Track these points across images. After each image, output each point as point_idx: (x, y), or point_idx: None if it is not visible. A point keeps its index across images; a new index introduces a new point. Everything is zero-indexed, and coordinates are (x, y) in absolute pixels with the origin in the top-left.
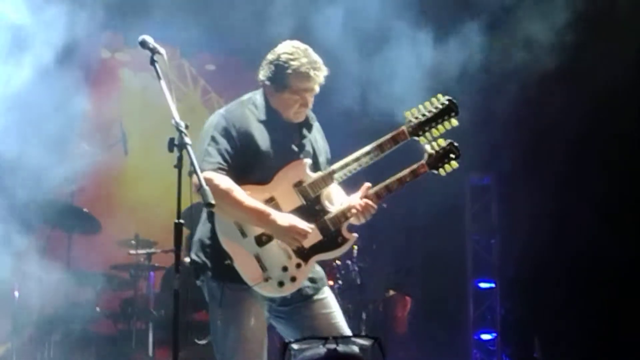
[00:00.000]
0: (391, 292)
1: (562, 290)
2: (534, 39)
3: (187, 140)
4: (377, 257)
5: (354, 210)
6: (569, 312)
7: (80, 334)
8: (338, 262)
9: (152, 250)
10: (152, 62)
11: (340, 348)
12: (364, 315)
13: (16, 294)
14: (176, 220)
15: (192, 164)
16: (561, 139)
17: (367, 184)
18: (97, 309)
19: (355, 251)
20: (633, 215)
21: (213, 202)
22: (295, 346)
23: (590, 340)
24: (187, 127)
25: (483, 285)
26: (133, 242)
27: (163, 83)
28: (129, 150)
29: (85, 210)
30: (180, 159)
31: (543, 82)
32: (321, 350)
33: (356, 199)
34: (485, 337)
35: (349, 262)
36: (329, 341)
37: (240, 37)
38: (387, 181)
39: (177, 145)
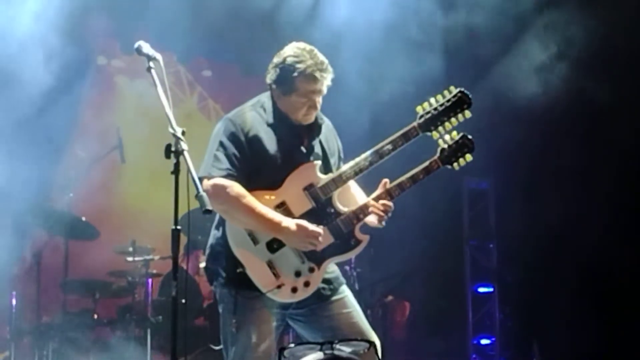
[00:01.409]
0: (390, 298)
1: (561, 294)
2: (533, 45)
3: (184, 146)
4: (375, 263)
5: (369, 211)
6: (568, 316)
7: (78, 341)
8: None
9: (150, 257)
10: (149, 68)
11: (337, 352)
12: None
13: (14, 301)
14: (173, 227)
15: (189, 170)
16: (559, 143)
17: (385, 180)
18: (95, 316)
19: (353, 256)
20: (632, 220)
21: (210, 208)
22: (290, 351)
23: (589, 345)
24: (183, 133)
25: (481, 290)
26: (130, 249)
27: (159, 89)
28: (126, 157)
29: (82, 217)
30: (177, 165)
31: (541, 86)
32: (317, 354)
33: (370, 200)
34: (484, 342)
35: (347, 267)
36: (325, 345)
37: (237, 43)
38: (399, 180)
39: (174, 151)
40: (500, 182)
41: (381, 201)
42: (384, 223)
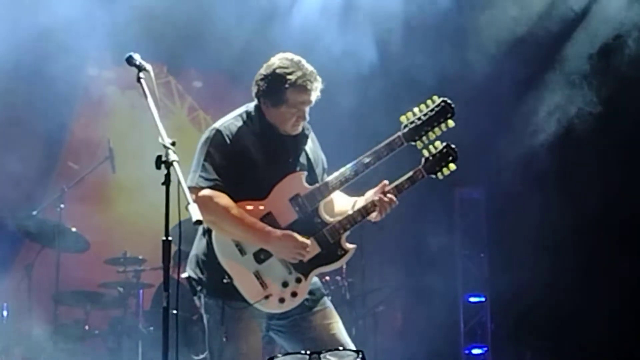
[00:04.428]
0: (381, 308)
1: (553, 304)
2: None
3: (175, 157)
4: (366, 273)
5: (357, 220)
6: (560, 326)
7: (70, 353)
8: (327, 277)
9: (141, 267)
10: (139, 79)
11: None
12: (354, 331)
13: (5, 313)
14: (164, 238)
15: (179, 181)
16: (552, 152)
17: (385, 182)
18: (87, 327)
19: (344, 266)
20: (624, 230)
21: (201, 218)
22: None
23: (581, 354)
24: (174, 144)
25: (473, 299)
26: (121, 259)
27: (150, 100)
28: (117, 168)
29: (73, 229)
30: (167, 176)
31: (533, 94)
32: None
33: (367, 197)
34: (476, 351)
35: (338, 277)
36: (313, 355)
37: (228, 54)
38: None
39: (164, 162)
40: (493, 191)
41: (389, 195)
42: (383, 214)
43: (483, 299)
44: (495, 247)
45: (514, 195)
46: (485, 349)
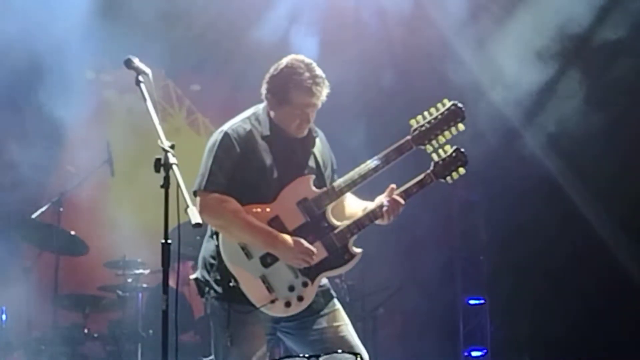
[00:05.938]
0: (381, 310)
1: (552, 306)
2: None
3: (173, 160)
4: (366, 275)
5: (365, 223)
6: (559, 328)
7: (69, 357)
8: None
9: (140, 271)
10: (137, 82)
11: None
12: None
13: (4, 316)
14: (163, 241)
15: (178, 184)
16: (549, 155)
17: (392, 186)
18: (85, 330)
19: None
20: (624, 229)
21: (200, 221)
22: None
23: (581, 356)
24: (172, 147)
25: (473, 302)
26: (120, 263)
27: (148, 103)
28: (116, 172)
29: (72, 232)
30: (166, 179)
31: (530, 98)
32: None
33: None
34: (476, 353)
35: (337, 280)
36: (311, 359)
37: (226, 57)
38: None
39: (163, 165)
40: (491, 194)
41: (394, 197)
42: (392, 218)
43: (482, 302)
44: (494, 249)
45: (513, 198)
46: (485, 351)
